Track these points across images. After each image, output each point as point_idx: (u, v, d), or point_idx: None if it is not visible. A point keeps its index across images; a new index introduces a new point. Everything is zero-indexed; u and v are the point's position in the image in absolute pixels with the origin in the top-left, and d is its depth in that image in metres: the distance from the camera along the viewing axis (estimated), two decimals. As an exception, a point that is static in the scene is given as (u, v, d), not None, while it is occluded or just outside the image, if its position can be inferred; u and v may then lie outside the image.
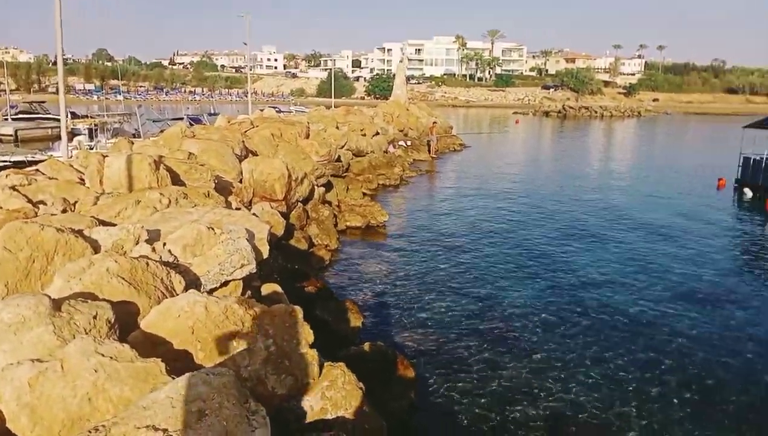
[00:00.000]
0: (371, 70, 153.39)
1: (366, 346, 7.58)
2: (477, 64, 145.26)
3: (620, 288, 12.38)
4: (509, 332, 10.09)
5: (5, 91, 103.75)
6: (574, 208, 20.44)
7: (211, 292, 5.79)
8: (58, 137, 41.84)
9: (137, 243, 5.91)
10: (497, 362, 8.99)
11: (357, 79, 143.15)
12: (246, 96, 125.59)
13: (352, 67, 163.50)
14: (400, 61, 51.04)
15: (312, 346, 4.76)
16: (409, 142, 33.93)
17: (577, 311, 11.09)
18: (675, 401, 7.96)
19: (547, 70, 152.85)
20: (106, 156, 12.14)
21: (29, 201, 9.32)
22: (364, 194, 20.68)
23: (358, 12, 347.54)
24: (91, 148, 28.21)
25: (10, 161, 22.75)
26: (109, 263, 4.61)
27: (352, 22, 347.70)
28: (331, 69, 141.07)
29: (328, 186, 18.71)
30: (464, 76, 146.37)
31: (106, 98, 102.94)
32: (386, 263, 13.90)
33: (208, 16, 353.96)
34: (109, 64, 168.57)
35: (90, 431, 2.64)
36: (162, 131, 32.96)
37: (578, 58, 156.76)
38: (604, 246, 15.61)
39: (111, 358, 3.26)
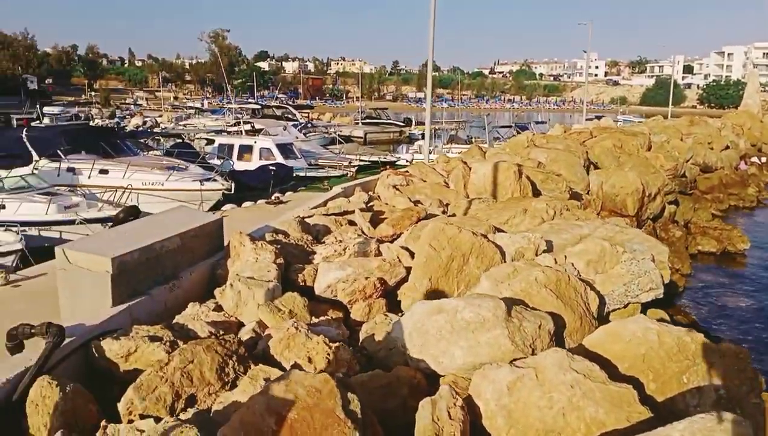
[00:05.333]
0: (705, 76, 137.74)
1: None
2: None
3: None
4: None
5: (352, 98, 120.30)
6: None
7: (607, 314, 5.57)
8: (398, 141, 46.84)
9: (537, 253, 5.98)
10: None
11: (688, 86, 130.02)
12: (564, 104, 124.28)
13: (683, 73, 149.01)
14: (753, 67, 44.56)
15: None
16: (763, 159, 29.35)
17: None
18: None
19: None
20: (464, 162, 12.92)
21: (410, 200, 10.34)
22: (714, 215, 18.43)
23: (691, 13, 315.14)
24: (431, 153, 30.72)
25: (369, 161, 25.93)
26: (536, 272, 4.68)
27: (682, 24, 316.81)
28: (658, 75, 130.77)
29: (674, 204, 17.11)
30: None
31: (433, 106, 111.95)
32: (752, 298, 12.09)
33: (529, 26, 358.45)
34: (435, 74, 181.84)
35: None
36: (496, 139, 34.41)
37: None
38: None
39: (584, 376, 3.22)
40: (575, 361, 3.32)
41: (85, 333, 4.51)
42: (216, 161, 22.26)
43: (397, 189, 10.96)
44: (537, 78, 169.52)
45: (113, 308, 4.99)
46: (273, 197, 16.83)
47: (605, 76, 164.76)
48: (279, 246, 6.56)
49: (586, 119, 37.52)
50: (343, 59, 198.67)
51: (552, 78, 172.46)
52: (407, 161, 28.47)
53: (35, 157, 17.33)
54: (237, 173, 19.43)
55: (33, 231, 13.45)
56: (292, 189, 19.25)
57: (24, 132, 18.00)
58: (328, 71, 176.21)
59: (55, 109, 54.33)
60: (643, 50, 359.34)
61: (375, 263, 5.91)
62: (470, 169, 12.05)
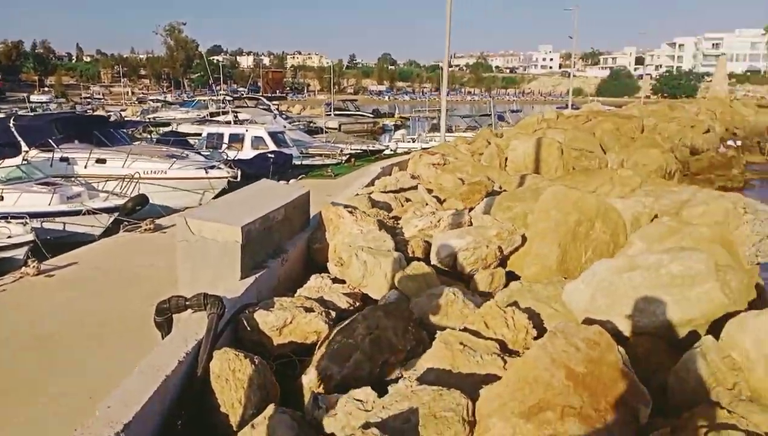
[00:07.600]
0: (656, 67, 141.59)
1: None
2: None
3: None
4: None
5: (313, 92, 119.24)
6: None
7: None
8: (372, 132, 46.61)
9: (651, 219, 5.86)
10: None
11: (641, 77, 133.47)
12: (523, 95, 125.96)
13: (635, 64, 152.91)
14: (722, 55, 46.06)
15: None
16: (738, 142, 30.20)
17: None
18: None
19: None
20: (488, 141, 12.78)
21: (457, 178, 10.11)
22: (709, 196, 18.77)
23: (642, 5, 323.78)
24: (414, 141, 30.69)
25: (360, 149, 25.63)
26: (702, 229, 4.55)
27: (634, 16, 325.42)
28: (611, 67, 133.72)
29: (676, 184, 17.40)
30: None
31: (395, 98, 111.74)
32: None
33: (484, 19, 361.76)
34: (393, 67, 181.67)
35: None
36: (469, 127, 34.53)
37: None
38: None
39: None
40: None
41: (232, 306, 4.13)
42: (205, 151, 21.59)
43: (437, 167, 10.73)
44: (493, 70, 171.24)
45: (243, 281, 4.60)
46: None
47: (560, 68, 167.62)
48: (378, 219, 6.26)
49: (557, 108, 37.99)
50: (299, 53, 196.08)
51: (508, 70, 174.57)
52: (392, 150, 28.45)
53: (24, 147, 16.39)
54: (236, 162, 18.85)
55: (35, 223, 12.67)
56: (293, 177, 18.78)
57: (11, 121, 16.99)
58: (285, 65, 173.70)
59: (44, 98, 52.29)
60: (596, 42, 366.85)
61: (493, 231, 5.67)
62: (497, 147, 11.94)
